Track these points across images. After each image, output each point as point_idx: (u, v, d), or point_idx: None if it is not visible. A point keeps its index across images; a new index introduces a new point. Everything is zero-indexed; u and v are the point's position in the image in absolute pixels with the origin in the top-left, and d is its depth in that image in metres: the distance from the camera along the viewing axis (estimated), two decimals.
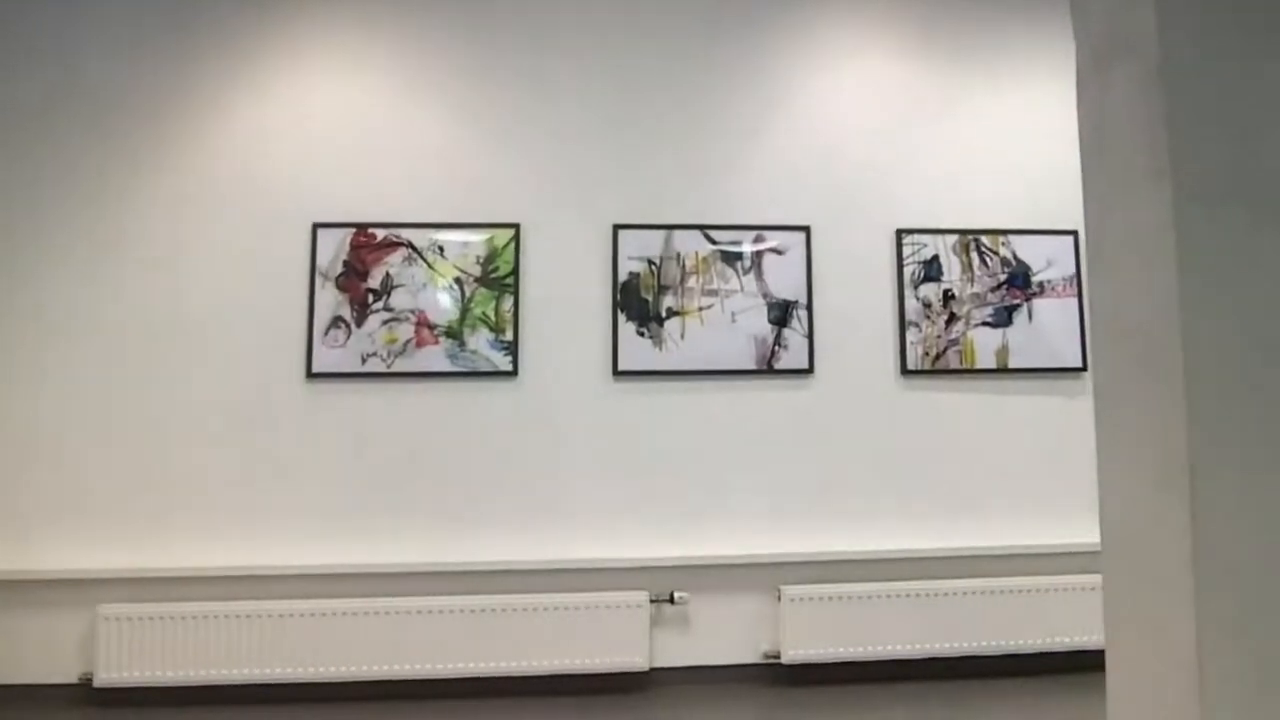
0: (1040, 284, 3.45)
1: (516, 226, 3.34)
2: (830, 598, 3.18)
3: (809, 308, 3.38)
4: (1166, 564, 1.07)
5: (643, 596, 3.15)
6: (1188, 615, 1.04)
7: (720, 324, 3.34)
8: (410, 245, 3.31)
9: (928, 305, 3.41)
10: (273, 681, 3.02)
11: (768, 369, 3.34)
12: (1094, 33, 1.25)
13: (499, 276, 3.32)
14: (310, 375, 3.24)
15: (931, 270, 3.42)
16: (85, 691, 3.04)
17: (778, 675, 3.22)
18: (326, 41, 3.40)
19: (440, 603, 3.09)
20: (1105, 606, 1.21)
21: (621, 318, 3.33)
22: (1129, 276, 1.19)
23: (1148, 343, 1.15)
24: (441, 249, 3.31)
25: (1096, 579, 3.20)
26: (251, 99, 3.36)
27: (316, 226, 3.30)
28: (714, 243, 3.38)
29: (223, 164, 3.32)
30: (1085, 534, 3.35)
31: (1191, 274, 1.09)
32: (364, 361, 3.25)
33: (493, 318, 3.30)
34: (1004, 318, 3.42)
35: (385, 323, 3.27)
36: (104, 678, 2.98)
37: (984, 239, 3.45)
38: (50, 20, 3.31)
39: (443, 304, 3.29)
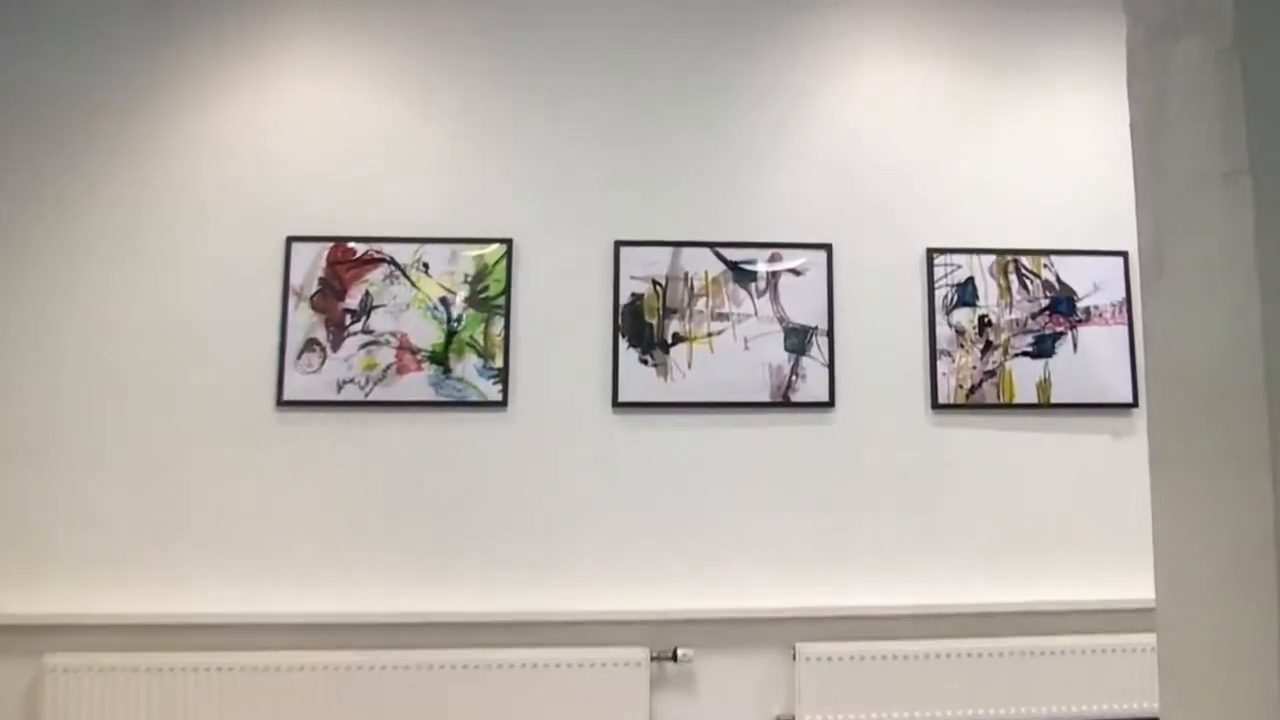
0: (1086, 310, 3.30)
1: (509, 242, 3.22)
2: (851, 657, 3.02)
3: (830, 334, 3.24)
4: (1245, 672, 0.88)
5: (642, 653, 2.99)
6: None
7: (732, 351, 3.21)
8: (392, 261, 3.19)
9: (961, 333, 3.26)
10: None
11: (784, 401, 3.20)
12: (1148, 2, 1.07)
13: (489, 297, 3.19)
14: (280, 403, 3.12)
15: (966, 294, 3.28)
16: None
17: None
18: (304, 41, 3.31)
19: (411, 658, 2.94)
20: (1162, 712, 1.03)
21: (623, 343, 3.19)
22: (1195, 302, 1.01)
23: (1218, 385, 0.97)
24: (426, 266, 3.19)
25: (1154, 638, 3.06)
26: (222, 102, 3.26)
27: (290, 240, 3.18)
28: (725, 262, 3.25)
29: (189, 171, 3.22)
30: (1138, 588, 3.19)
31: (1277, 300, 0.91)
32: (340, 389, 3.13)
33: (481, 342, 3.17)
34: (1046, 347, 3.27)
35: (364, 346, 3.15)
36: None
37: (1024, 260, 3.31)
38: (9, 19, 3.22)
39: (427, 327, 3.17)
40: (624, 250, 3.23)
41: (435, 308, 3.17)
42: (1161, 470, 1.06)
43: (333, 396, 3.12)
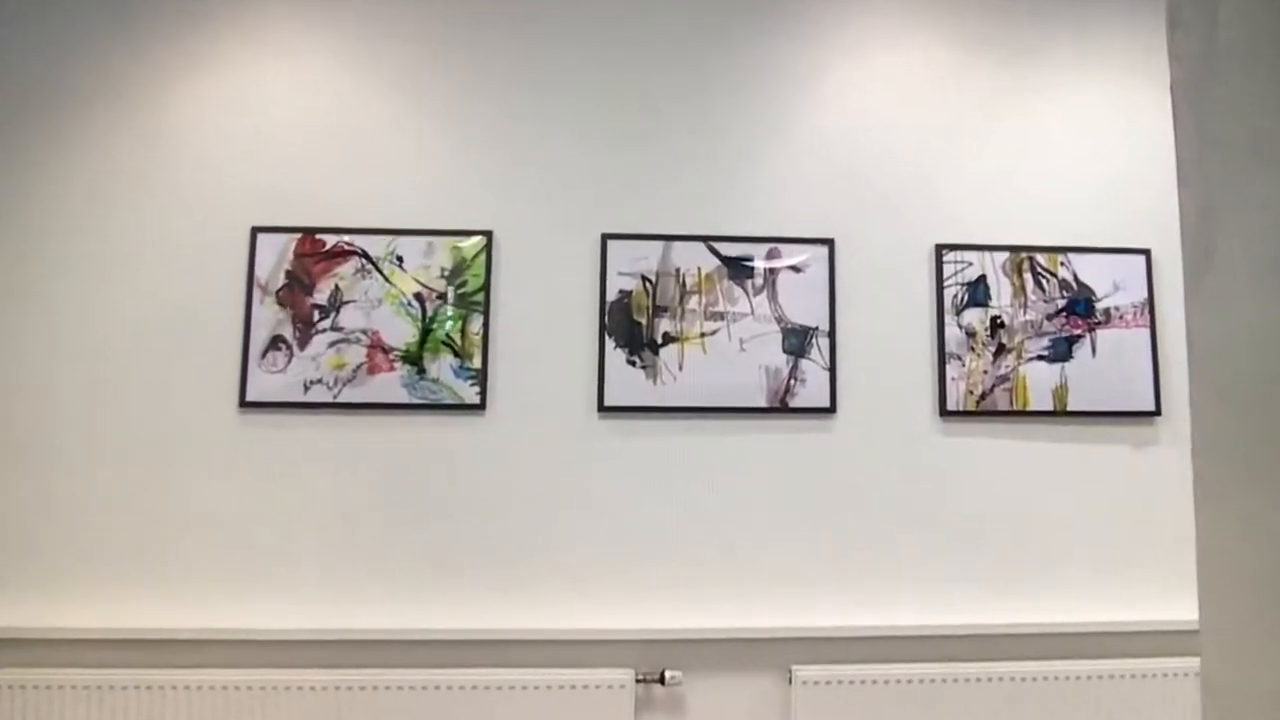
0: (1106, 312, 3.19)
1: (488, 234, 3.10)
2: (851, 681, 2.90)
3: (831, 335, 3.12)
4: None
5: (627, 675, 2.87)
6: None
7: (726, 353, 3.10)
8: (364, 254, 3.08)
9: (972, 335, 3.15)
10: None
11: (782, 407, 3.09)
12: None
13: (467, 293, 3.07)
14: (243, 404, 3.00)
15: (977, 293, 3.18)
16: None
17: None
18: (272, 21, 3.19)
19: (378, 678, 2.81)
20: None
21: (609, 344, 3.08)
22: (1251, 303, 0.86)
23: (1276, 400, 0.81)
24: (400, 259, 3.08)
25: (1177, 663, 2.96)
26: (184, 86, 3.15)
27: (256, 230, 3.07)
28: (720, 257, 3.14)
29: (149, 156, 3.10)
30: (1160, 609, 3.07)
31: None
32: (307, 389, 3.01)
33: (458, 341, 3.05)
34: (1063, 351, 3.16)
35: (333, 344, 3.03)
36: None
37: (1039, 258, 3.20)
38: None
39: (400, 324, 3.05)
40: (611, 244, 3.12)
41: (409, 304, 3.06)
42: (1207, 489, 0.91)
43: (299, 398, 3.01)
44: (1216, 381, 0.91)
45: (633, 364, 3.08)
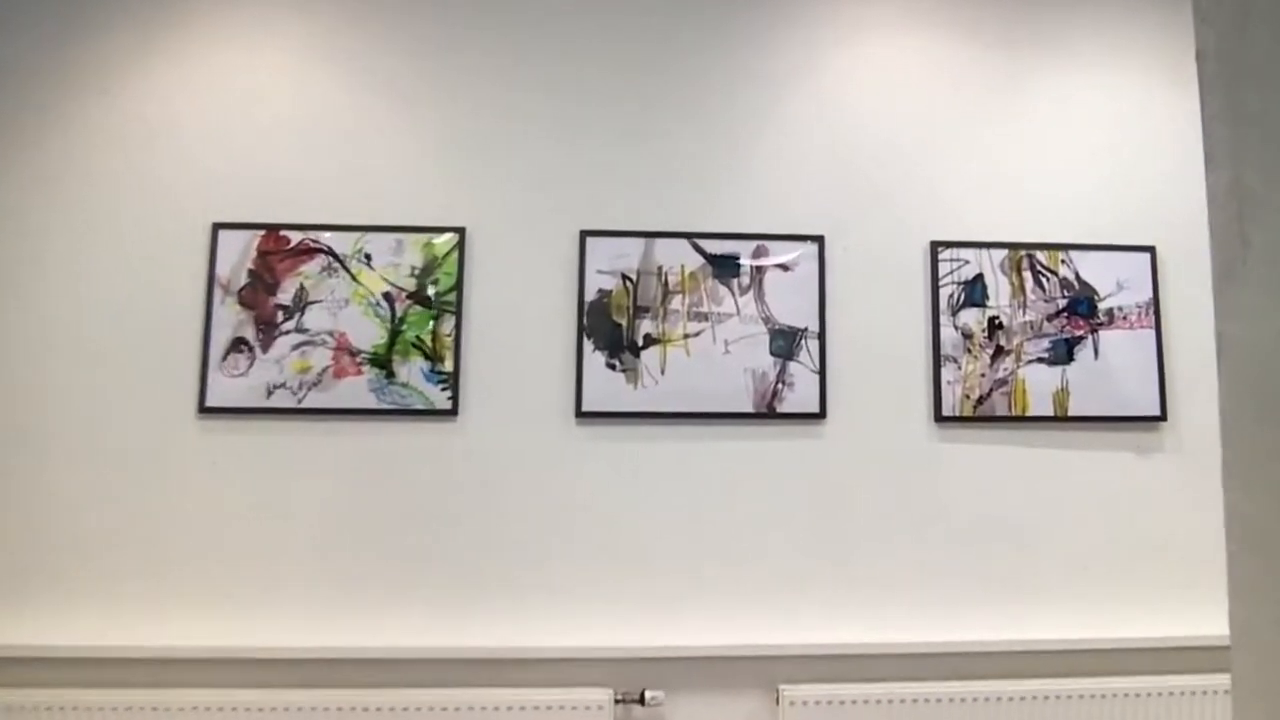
0: (1109, 312, 3.13)
1: (461, 231, 3.01)
2: (843, 701, 2.82)
3: (821, 337, 3.05)
4: None
5: (605, 695, 2.78)
6: None
7: (710, 355, 3.02)
8: (330, 252, 2.98)
9: (969, 336, 3.09)
10: None
11: (769, 412, 3.01)
12: None
13: (438, 292, 2.98)
14: (203, 410, 2.89)
15: (974, 293, 3.12)
16: None
17: None
18: (236, 8, 3.10)
19: (340, 698, 2.71)
20: None
21: (588, 346, 2.99)
22: None
23: None
24: (368, 257, 2.98)
25: (1187, 680, 2.89)
26: (140, 76, 3.04)
27: (217, 227, 2.97)
28: (704, 255, 3.06)
29: (104, 148, 3.00)
30: (1165, 624, 2.99)
31: None
32: (270, 394, 2.91)
33: (429, 343, 2.96)
34: (1064, 353, 3.10)
35: (297, 347, 2.94)
36: None
37: (1040, 255, 3.13)
38: None
39: (368, 325, 2.96)
40: (590, 241, 3.04)
41: (378, 304, 2.97)
42: (1240, 501, 0.79)
43: (261, 403, 2.91)
44: (1248, 386, 0.79)
45: (612, 367, 2.99)
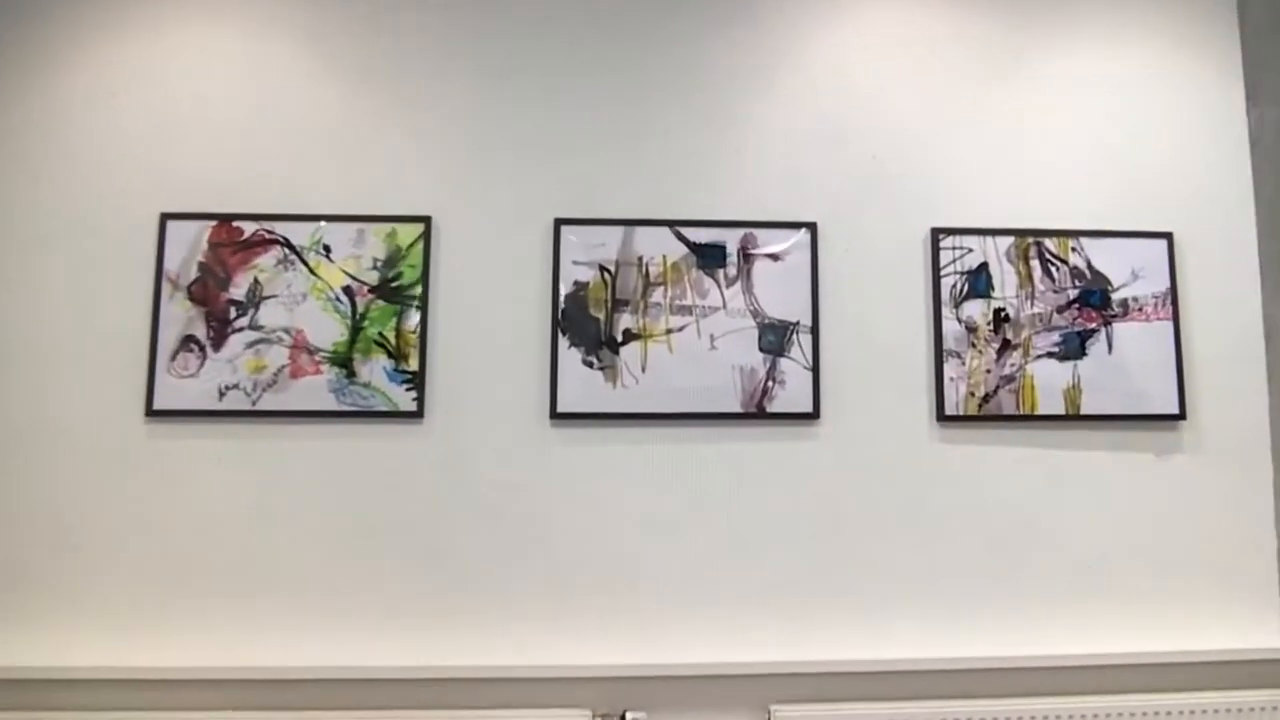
0: (1124, 303, 3.07)
1: (427, 220, 2.93)
2: None
3: (814, 331, 2.97)
4: None
5: (584, 716, 2.70)
6: None
7: (695, 352, 2.94)
8: (286, 243, 2.89)
9: (973, 330, 3.02)
10: None
11: (758, 412, 2.93)
12: None
13: (402, 286, 2.89)
14: (150, 413, 2.80)
15: (978, 283, 3.05)
16: None
17: None
18: None
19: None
20: None
21: (563, 342, 2.91)
22: None
23: None
24: (327, 249, 2.89)
25: (1223, 698, 2.82)
26: (79, 55, 2.95)
27: (165, 217, 2.88)
28: (688, 244, 2.98)
29: (45, 134, 2.91)
30: (1186, 637, 2.93)
31: None
32: (222, 396, 2.82)
33: (393, 340, 2.86)
34: (1075, 347, 3.04)
35: (251, 345, 2.84)
36: None
37: (1048, 242, 3.07)
38: None
39: (327, 321, 2.86)
40: (565, 230, 2.96)
41: (337, 299, 2.88)
42: None
43: (213, 405, 2.82)
44: None
45: (589, 365, 2.92)
